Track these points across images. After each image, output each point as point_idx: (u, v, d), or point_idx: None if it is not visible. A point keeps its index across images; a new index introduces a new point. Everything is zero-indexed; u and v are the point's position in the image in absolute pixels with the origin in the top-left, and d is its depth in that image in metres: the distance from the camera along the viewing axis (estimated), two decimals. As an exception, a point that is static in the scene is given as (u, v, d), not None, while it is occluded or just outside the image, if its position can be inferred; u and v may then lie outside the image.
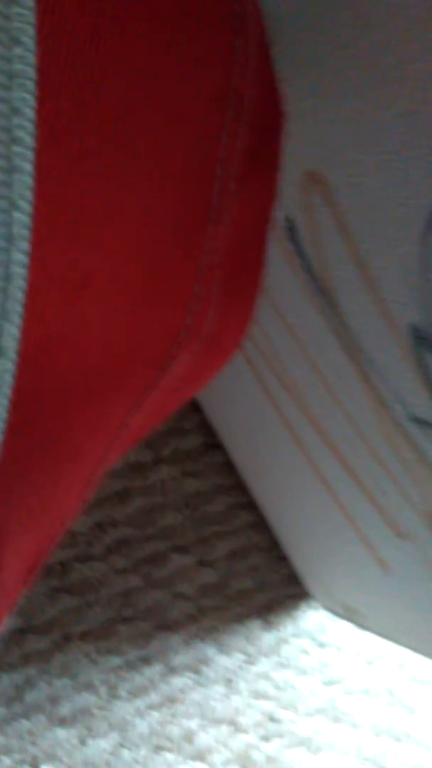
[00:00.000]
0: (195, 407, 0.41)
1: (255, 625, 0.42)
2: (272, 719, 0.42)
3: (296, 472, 0.35)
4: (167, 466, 0.39)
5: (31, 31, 0.09)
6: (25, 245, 0.09)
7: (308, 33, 0.19)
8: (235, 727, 0.41)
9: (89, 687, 0.36)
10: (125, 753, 0.37)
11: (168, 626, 0.39)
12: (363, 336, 0.24)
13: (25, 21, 0.09)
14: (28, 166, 0.09)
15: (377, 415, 0.26)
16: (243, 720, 0.41)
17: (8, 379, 0.10)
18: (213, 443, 0.41)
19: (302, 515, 0.38)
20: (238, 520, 0.41)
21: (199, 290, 0.16)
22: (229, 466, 0.41)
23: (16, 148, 0.09)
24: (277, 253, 0.25)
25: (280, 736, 0.43)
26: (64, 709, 0.35)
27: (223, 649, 0.40)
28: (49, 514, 0.15)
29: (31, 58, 0.09)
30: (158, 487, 0.39)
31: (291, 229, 0.24)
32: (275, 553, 0.42)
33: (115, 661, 0.37)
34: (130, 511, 0.38)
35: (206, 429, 0.41)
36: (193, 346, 0.16)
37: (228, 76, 0.14)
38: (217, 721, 0.40)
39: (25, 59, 0.09)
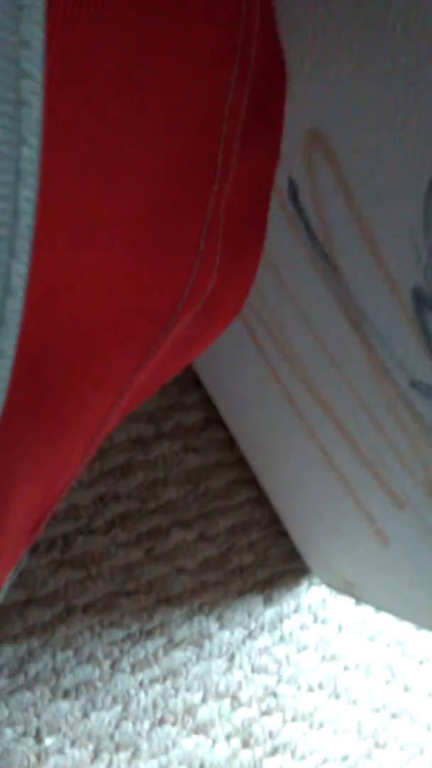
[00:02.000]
0: (196, 382, 0.41)
1: (256, 600, 0.42)
2: (273, 694, 0.43)
3: (296, 445, 0.35)
4: (169, 441, 0.39)
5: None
6: (32, 181, 0.09)
7: (311, -12, 0.19)
8: (237, 701, 0.41)
9: (92, 660, 0.36)
10: (128, 725, 0.37)
11: (170, 600, 0.39)
12: (365, 301, 0.24)
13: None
14: (36, 101, 0.09)
15: (379, 382, 0.26)
16: (244, 694, 0.41)
17: (16, 318, 0.10)
18: (214, 418, 0.41)
19: (302, 488, 0.38)
20: (239, 496, 0.41)
21: (204, 248, 0.15)
22: (230, 442, 0.41)
23: (24, 82, 0.09)
24: (279, 216, 0.25)
25: (281, 710, 0.43)
26: (67, 682, 0.36)
27: (224, 624, 0.41)
28: (55, 465, 0.15)
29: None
30: (160, 461, 0.39)
31: (293, 191, 0.23)
32: (276, 528, 0.43)
33: (118, 634, 0.37)
34: (132, 485, 0.38)
35: (208, 404, 0.41)
36: (197, 305, 0.16)
37: (234, 32, 0.14)
38: (219, 695, 0.40)
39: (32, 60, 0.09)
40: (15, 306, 0.10)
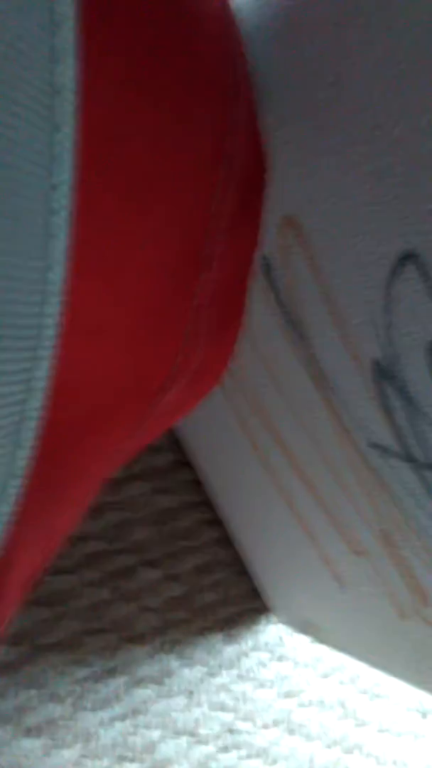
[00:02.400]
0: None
1: (217, 639, 0.43)
2: (231, 731, 0.44)
3: (260, 490, 0.37)
4: (139, 482, 0.40)
5: (71, 119, 0.10)
6: (56, 300, 0.11)
7: (292, 93, 0.21)
8: (196, 738, 0.42)
9: (56, 698, 0.37)
10: (88, 763, 0.37)
11: (134, 639, 0.40)
12: (329, 366, 0.26)
13: (66, 110, 0.10)
14: (63, 234, 0.11)
15: (339, 440, 0.28)
16: (203, 731, 0.42)
17: (35, 414, 0.11)
18: (183, 461, 0.42)
19: (265, 532, 0.40)
20: (204, 536, 0.42)
21: (191, 329, 0.17)
22: (197, 484, 0.43)
23: (54, 219, 0.10)
24: (253, 288, 0.27)
25: (238, 747, 0.44)
26: (31, 720, 0.36)
27: (185, 662, 0.42)
28: (53, 529, 0.16)
29: (69, 143, 0.10)
30: (129, 502, 0.40)
31: (267, 267, 0.25)
32: (238, 568, 0.44)
33: (82, 672, 0.38)
34: (101, 525, 0.39)
35: (177, 447, 0.42)
36: (183, 379, 0.18)
37: (222, 141, 0.16)
38: (178, 732, 0.41)
39: (63, 144, 0.10)
40: (36, 404, 0.11)
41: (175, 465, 0.42)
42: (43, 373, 0.11)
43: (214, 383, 0.20)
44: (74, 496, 0.16)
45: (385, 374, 0.23)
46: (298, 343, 0.27)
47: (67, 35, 0.09)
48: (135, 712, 0.39)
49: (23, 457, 0.11)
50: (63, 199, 0.10)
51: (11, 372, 0.10)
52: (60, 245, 0.10)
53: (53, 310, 0.10)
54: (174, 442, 0.42)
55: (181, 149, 0.14)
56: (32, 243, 0.10)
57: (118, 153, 0.13)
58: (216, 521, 0.43)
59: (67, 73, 0.10)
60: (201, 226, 0.16)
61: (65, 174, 0.10)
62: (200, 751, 0.42)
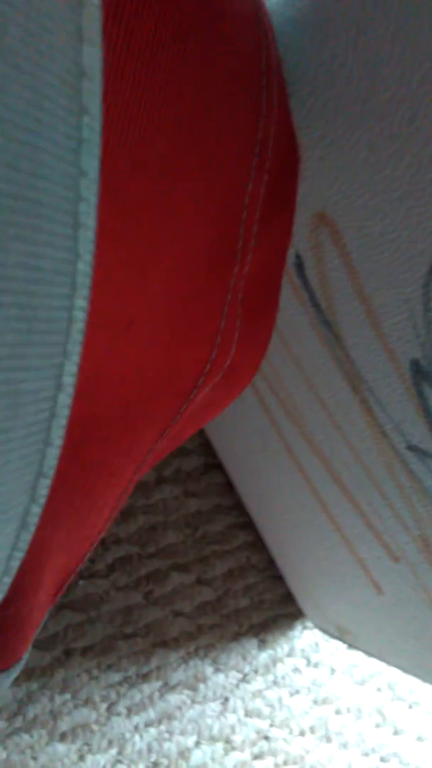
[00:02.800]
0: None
1: (251, 644, 0.42)
2: (265, 737, 0.43)
3: (294, 494, 0.36)
4: (169, 486, 0.40)
5: (97, 101, 0.10)
6: (86, 292, 0.10)
7: (324, 88, 0.21)
8: (230, 744, 0.41)
9: (89, 703, 0.37)
10: (122, 769, 0.37)
11: (167, 643, 0.39)
12: (365, 367, 0.25)
13: (93, 94, 0.10)
14: (91, 222, 0.10)
15: (377, 443, 0.27)
16: (237, 738, 0.42)
17: (65, 411, 0.11)
18: (214, 464, 0.42)
19: (299, 536, 0.39)
20: (236, 540, 0.42)
21: (224, 325, 0.17)
22: (229, 487, 0.42)
23: (82, 206, 0.10)
24: (286, 287, 0.26)
25: (273, 754, 0.43)
26: (64, 725, 0.36)
27: (219, 668, 0.41)
28: (83, 533, 0.16)
29: (98, 125, 0.10)
30: (160, 506, 0.40)
31: (299, 265, 0.25)
32: (271, 572, 0.43)
33: (115, 677, 0.38)
34: (132, 529, 0.39)
35: (208, 450, 0.42)
36: (216, 377, 0.17)
37: (255, 127, 0.16)
38: (212, 739, 0.41)
39: (92, 127, 0.10)
40: (66, 401, 0.11)
41: (207, 468, 0.42)
42: (72, 368, 0.10)
43: (246, 382, 0.19)
44: (105, 498, 0.16)
45: (424, 375, 0.23)
46: (332, 344, 0.26)
47: (94, 15, 0.09)
48: (169, 718, 0.39)
49: (54, 456, 0.11)
50: (92, 186, 0.10)
51: (42, 367, 0.10)
52: (88, 234, 0.10)
53: (83, 303, 0.10)
54: (205, 445, 0.42)
55: (212, 133, 0.14)
56: (60, 231, 0.10)
57: (146, 138, 0.12)
58: (248, 525, 0.43)
59: (95, 54, 0.09)
60: (234, 216, 0.16)
61: (93, 159, 0.10)
62: (235, 757, 0.42)
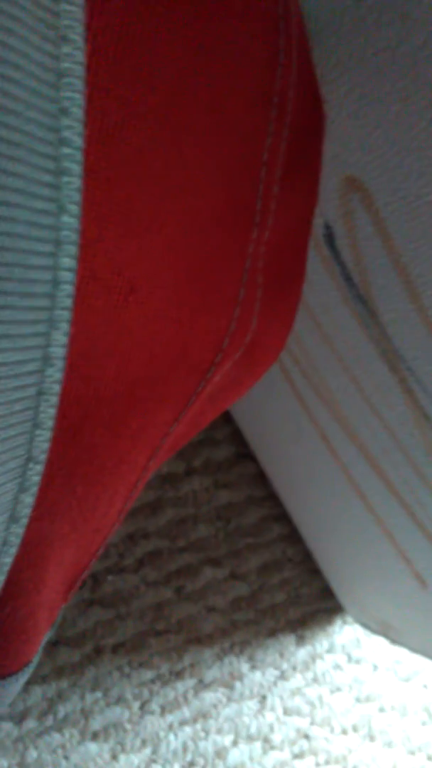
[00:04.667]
0: (226, 417, 0.40)
1: (288, 640, 0.41)
2: (306, 736, 0.42)
3: (331, 484, 0.34)
4: (199, 477, 0.39)
5: (80, 28, 0.09)
6: (73, 250, 0.09)
7: (350, 35, 0.19)
8: (269, 743, 0.40)
9: (121, 701, 0.36)
10: (157, 769, 0.36)
11: (200, 640, 0.38)
12: (403, 345, 0.23)
13: (73, 18, 0.08)
14: (76, 168, 0.09)
15: (418, 427, 0.25)
16: (276, 737, 0.40)
17: (56, 388, 0.10)
18: (245, 453, 0.40)
19: (336, 527, 0.37)
20: (270, 533, 0.40)
21: (244, 296, 0.15)
22: (261, 477, 0.41)
23: (64, 150, 0.09)
24: (314, 260, 0.24)
25: (314, 753, 0.42)
26: (96, 723, 0.35)
27: (256, 664, 0.40)
28: (92, 526, 0.14)
29: (80, 56, 0.09)
30: (190, 498, 0.38)
31: (329, 236, 0.23)
32: (308, 566, 0.42)
33: (147, 674, 0.37)
34: (162, 522, 0.38)
35: (238, 439, 0.40)
36: (236, 353, 0.16)
37: (272, 76, 0.14)
38: (250, 738, 0.39)
39: (74, 58, 0.09)
40: (55, 376, 0.10)
41: (237, 458, 0.40)
42: (61, 337, 0.09)
43: (271, 359, 0.18)
44: (116, 486, 0.14)
45: (468, 349, 0.21)
46: (367, 320, 0.24)
47: None
48: (205, 716, 0.38)
49: (45, 439, 0.10)
50: (75, 126, 0.08)
51: (23, 336, 0.09)
52: (73, 182, 0.09)
53: (70, 262, 0.09)
54: (235, 434, 0.40)
55: (222, 78, 0.12)
56: (37, 177, 0.08)
57: (144, 76, 0.11)
58: (283, 516, 0.41)
59: None
60: (252, 174, 0.14)
61: (76, 95, 0.08)
62: (274, 757, 0.40)
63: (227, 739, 0.39)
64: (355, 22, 0.19)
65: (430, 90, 0.18)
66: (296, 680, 0.41)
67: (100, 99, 0.10)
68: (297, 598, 0.41)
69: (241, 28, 0.13)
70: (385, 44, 0.19)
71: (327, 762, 0.43)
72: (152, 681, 0.37)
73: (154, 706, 0.37)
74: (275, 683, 0.40)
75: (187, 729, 0.37)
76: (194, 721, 0.38)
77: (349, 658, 0.43)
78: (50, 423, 0.10)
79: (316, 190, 0.18)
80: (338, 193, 0.22)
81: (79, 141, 0.09)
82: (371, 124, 0.20)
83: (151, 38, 0.11)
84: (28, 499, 0.10)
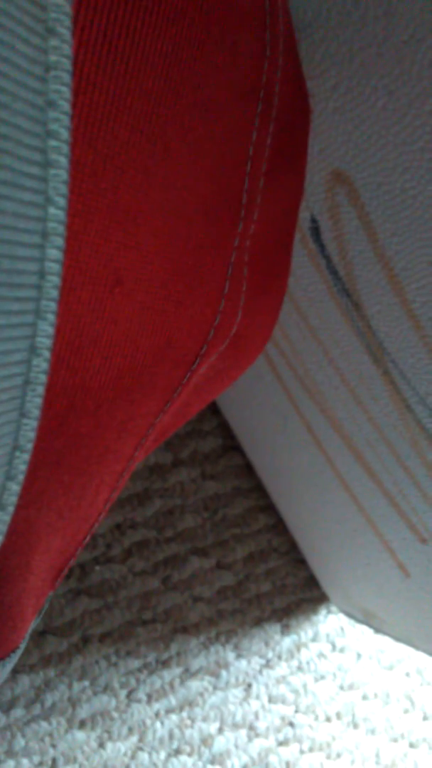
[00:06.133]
0: (214, 409, 0.41)
1: (273, 629, 0.41)
2: (290, 724, 0.42)
3: (316, 475, 0.35)
4: (186, 469, 0.39)
5: (67, 21, 0.09)
6: (59, 241, 0.09)
7: (337, 30, 0.19)
8: (254, 731, 0.40)
9: (108, 689, 0.36)
10: (144, 756, 0.37)
11: (186, 629, 0.38)
12: (388, 338, 0.24)
13: (61, 11, 0.09)
14: (63, 161, 0.09)
15: (401, 418, 0.26)
16: (261, 724, 0.41)
17: (42, 378, 0.10)
18: (232, 445, 0.41)
19: (321, 518, 0.38)
20: (256, 523, 0.41)
21: (229, 288, 0.15)
22: (248, 469, 0.41)
23: (51, 142, 0.09)
24: (300, 252, 0.25)
25: (298, 741, 0.43)
26: (83, 712, 0.35)
27: (241, 653, 0.40)
28: (78, 514, 0.15)
29: (68, 49, 0.09)
30: (177, 489, 0.38)
31: (315, 229, 0.23)
32: (294, 556, 0.42)
33: (134, 663, 0.37)
34: (149, 513, 0.38)
35: (225, 431, 0.41)
36: (222, 345, 0.16)
37: (258, 70, 0.14)
38: (236, 726, 0.40)
39: (61, 50, 0.09)
40: (41, 366, 0.10)
41: (224, 449, 0.40)
42: (48, 328, 0.09)
43: (256, 351, 0.18)
44: (102, 476, 0.14)
45: (450, 342, 0.21)
46: (352, 313, 0.25)
47: None
48: (191, 705, 0.38)
49: (31, 428, 0.10)
50: (62, 119, 0.09)
51: (10, 326, 0.09)
52: (60, 174, 0.09)
53: (56, 254, 0.09)
54: (222, 426, 0.40)
55: (208, 72, 0.12)
56: (25, 170, 0.08)
57: (130, 71, 0.11)
58: (269, 507, 0.41)
59: None
60: (237, 168, 0.14)
61: (63, 88, 0.09)
62: (259, 744, 0.41)
63: (213, 727, 0.39)
64: (341, 17, 0.19)
65: (416, 85, 0.18)
66: (281, 669, 0.41)
67: (87, 92, 0.11)
68: (282, 588, 0.41)
69: (228, 23, 0.13)
70: (371, 40, 0.19)
71: (311, 749, 0.43)
72: (139, 670, 0.37)
73: (141, 694, 0.37)
74: (260, 672, 0.41)
75: (174, 717, 0.38)
76: (180, 709, 0.38)
77: (333, 647, 0.43)
78: (36, 412, 0.10)
79: (302, 184, 0.18)
80: (324, 187, 0.22)
81: (66, 134, 0.09)
82: (357, 119, 0.20)
83: (137, 32, 0.11)
84: (15, 487, 0.10)
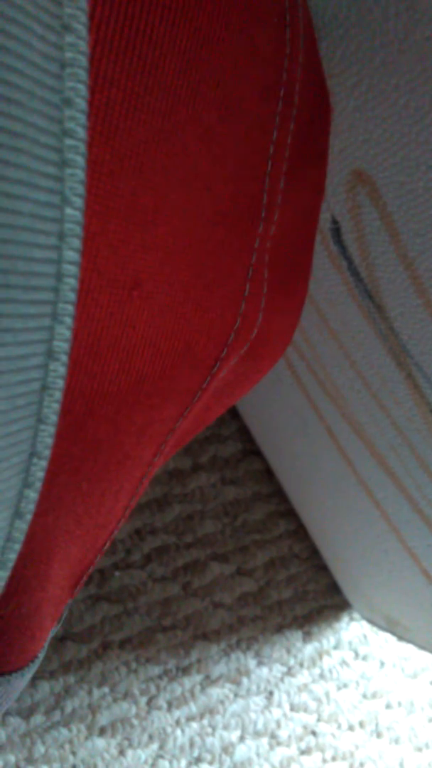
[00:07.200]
0: (233, 414, 0.40)
1: (295, 636, 0.41)
2: (312, 732, 0.41)
3: (338, 480, 0.34)
4: (206, 474, 0.39)
5: (83, 17, 0.08)
6: (76, 243, 0.09)
7: (357, 28, 0.19)
8: (275, 739, 0.40)
9: (128, 696, 0.36)
10: (164, 764, 0.36)
11: (207, 636, 0.38)
12: (411, 340, 0.23)
13: (76, 7, 0.08)
14: (80, 160, 0.09)
15: (425, 422, 0.25)
16: (283, 733, 0.40)
17: (60, 383, 0.09)
18: (252, 450, 0.40)
19: (343, 524, 0.37)
20: (277, 529, 0.40)
21: (249, 291, 0.15)
22: (268, 473, 0.41)
23: (68, 141, 0.09)
24: (321, 254, 0.24)
25: (321, 749, 0.42)
26: (103, 719, 0.35)
27: (262, 660, 0.40)
28: (97, 522, 0.14)
29: (84, 46, 0.09)
30: (197, 494, 0.38)
31: (336, 230, 0.23)
32: (315, 562, 0.42)
33: (155, 670, 0.37)
34: (169, 518, 0.37)
35: (245, 436, 0.40)
36: (242, 349, 0.16)
37: (278, 70, 0.14)
38: (257, 734, 0.39)
39: (77, 47, 0.08)
40: (59, 370, 0.10)
41: (244, 454, 0.40)
42: (65, 332, 0.09)
43: (277, 355, 0.18)
44: (121, 482, 0.14)
45: None
46: (374, 315, 0.24)
47: None
48: (211, 712, 0.38)
49: (49, 435, 0.09)
50: (79, 117, 0.08)
51: (27, 330, 0.09)
52: (77, 174, 0.08)
53: (73, 256, 0.09)
54: (242, 430, 0.40)
55: (228, 70, 0.12)
56: (41, 169, 0.08)
57: (149, 67, 0.11)
58: (290, 512, 0.41)
59: None
60: (258, 168, 0.14)
61: (80, 85, 0.08)
62: (281, 753, 0.40)
63: (234, 735, 0.39)
64: (361, 14, 0.19)
65: (437, 83, 0.18)
66: (303, 676, 0.41)
67: (104, 90, 0.10)
68: (304, 595, 0.41)
69: (247, 20, 0.13)
70: (392, 37, 0.19)
71: (334, 758, 0.43)
72: (159, 676, 0.37)
73: (161, 701, 0.37)
74: (282, 679, 0.40)
75: (194, 724, 0.37)
76: (201, 716, 0.38)
77: (356, 655, 0.43)
78: (54, 418, 0.10)
79: (323, 184, 0.18)
80: (345, 188, 0.22)
81: (82, 132, 0.09)
82: (378, 118, 0.20)
83: (155, 29, 0.11)
84: (32, 495, 0.10)
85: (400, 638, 0.43)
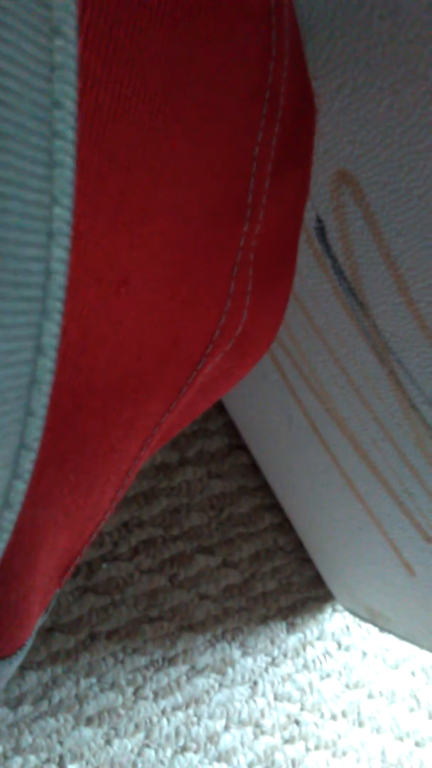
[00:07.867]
0: (220, 409, 0.41)
1: (279, 627, 0.41)
2: (296, 722, 0.42)
3: (321, 474, 0.35)
4: (192, 467, 0.39)
5: (72, 21, 0.09)
6: (65, 241, 0.09)
7: (342, 30, 0.19)
8: (259, 729, 0.40)
9: (115, 686, 0.36)
10: (150, 753, 0.37)
11: (193, 627, 0.39)
12: (393, 337, 0.24)
13: (66, 10, 0.09)
14: (69, 161, 0.09)
15: (406, 417, 0.26)
16: (267, 722, 0.41)
17: (48, 378, 0.10)
18: (238, 444, 0.41)
19: (327, 517, 0.38)
20: (262, 522, 0.41)
21: (234, 289, 0.15)
22: (254, 468, 0.41)
23: (57, 142, 0.09)
24: (306, 252, 0.25)
25: (304, 738, 0.43)
26: (90, 709, 0.35)
27: (247, 651, 0.40)
28: (84, 513, 0.15)
29: (73, 49, 0.09)
30: (184, 487, 0.39)
31: (321, 229, 0.23)
32: (299, 554, 0.42)
33: (141, 661, 0.37)
34: (156, 511, 0.38)
35: (231, 430, 0.41)
36: (227, 345, 0.16)
37: (264, 71, 0.14)
38: (242, 723, 0.40)
39: (66, 50, 0.09)
40: (47, 365, 0.10)
41: (230, 448, 0.40)
42: (53, 327, 0.09)
43: (261, 351, 0.18)
44: (107, 475, 0.15)
45: (455, 341, 0.21)
46: (357, 313, 0.25)
47: None
48: (197, 702, 0.38)
49: (37, 427, 0.10)
50: (68, 119, 0.09)
51: (16, 325, 0.09)
52: (66, 174, 0.09)
53: (62, 254, 0.09)
54: (228, 425, 0.41)
55: (213, 71, 0.13)
56: (31, 169, 0.08)
57: (134, 70, 0.11)
58: (275, 506, 0.42)
59: None
60: (243, 168, 0.14)
61: (69, 88, 0.09)
62: (265, 742, 0.41)
63: (219, 724, 0.39)
64: (347, 16, 0.19)
65: (421, 84, 0.18)
66: (287, 666, 0.42)
67: (93, 92, 0.11)
68: (288, 586, 0.42)
69: (233, 22, 0.13)
70: (377, 39, 0.19)
71: (317, 747, 0.43)
72: (146, 667, 0.37)
73: (148, 691, 0.37)
74: (266, 669, 0.41)
75: (180, 714, 0.38)
76: (187, 706, 0.38)
77: (339, 645, 0.44)
78: (43, 411, 0.10)
79: (308, 184, 0.18)
80: (330, 187, 0.22)
81: (71, 134, 0.09)
82: (362, 119, 0.20)
83: (143, 32, 0.11)
84: (21, 486, 0.10)
85: (382, 629, 0.43)
